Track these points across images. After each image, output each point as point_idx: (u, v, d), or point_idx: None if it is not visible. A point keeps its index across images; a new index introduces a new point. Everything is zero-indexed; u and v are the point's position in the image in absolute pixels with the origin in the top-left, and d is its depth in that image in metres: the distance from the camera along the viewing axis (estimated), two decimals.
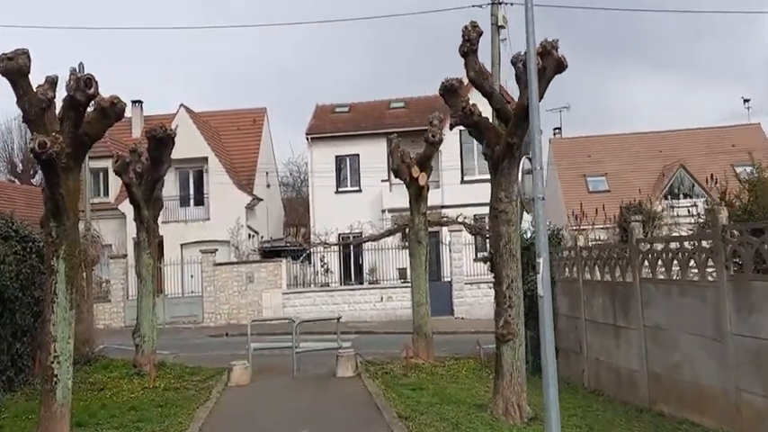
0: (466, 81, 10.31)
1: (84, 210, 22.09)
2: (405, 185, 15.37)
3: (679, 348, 8.82)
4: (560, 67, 8.55)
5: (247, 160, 35.55)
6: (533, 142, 7.28)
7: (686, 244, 8.94)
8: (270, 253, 31.50)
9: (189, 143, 28.31)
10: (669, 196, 34.41)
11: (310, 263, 29.57)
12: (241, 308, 27.14)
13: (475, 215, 28.46)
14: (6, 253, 11.51)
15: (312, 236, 30.49)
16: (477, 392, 10.94)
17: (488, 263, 16.19)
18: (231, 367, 12.98)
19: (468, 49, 9.34)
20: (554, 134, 45.83)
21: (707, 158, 37.14)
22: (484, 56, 10.54)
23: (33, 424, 8.54)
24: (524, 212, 10.73)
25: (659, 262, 9.30)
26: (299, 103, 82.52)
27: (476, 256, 27.70)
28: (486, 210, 29.05)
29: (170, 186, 29.47)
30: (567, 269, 12.39)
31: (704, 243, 8.51)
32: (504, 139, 9.07)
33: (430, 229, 16.45)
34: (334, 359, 13.74)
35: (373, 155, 31.76)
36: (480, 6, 17.03)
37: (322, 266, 28.91)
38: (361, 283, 29.20)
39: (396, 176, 15.75)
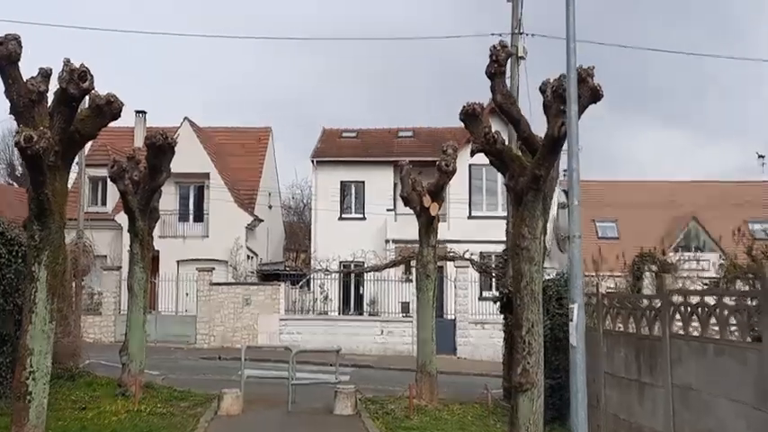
0: (486, 107, 9.72)
1: (78, 217, 21.40)
2: (415, 215, 14.65)
3: (712, 413, 8.01)
4: (596, 95, 7.92)
5: (250, 179, 34.90)
6: (572, 173, 6.59)
7: (726, 299, 8.17)
8: (268, 276, 30.74)
9: (191, 157, 27.77)
10: (681, 248, 33.70)
11: (309, 289, 28.77)
12: (236, 331, 26.22)
13: (481, 252, 27.81)
14: None
15: (313, 261, 29.75)
16: None
17: (498, 303, 15.47)
18: (222, 395, 12.18)
19: (496, 71, 8.68)
20: (563, 176, 45.19)
21: (718, 212, 36.54)
22: None
23: None
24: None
25: (694, 317, 8.52)
26: (304, 128, 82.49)
27: (480, 294, 26.97)
28: (493, 247, 28.46)
29: (170, 200, 28.96)
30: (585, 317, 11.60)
31: (748, 300, 7.75)
32: (531, 171, 8.37)
33: None
34: (330, 392, 13.01)
35: (379, 183, 31.36)
36: (500, 35, 16.44)
37: (321, 293, 28.09)
38: (361, 314, 28.41)
39: (406, 205, 15.01)
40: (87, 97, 7.48)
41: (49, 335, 7.51)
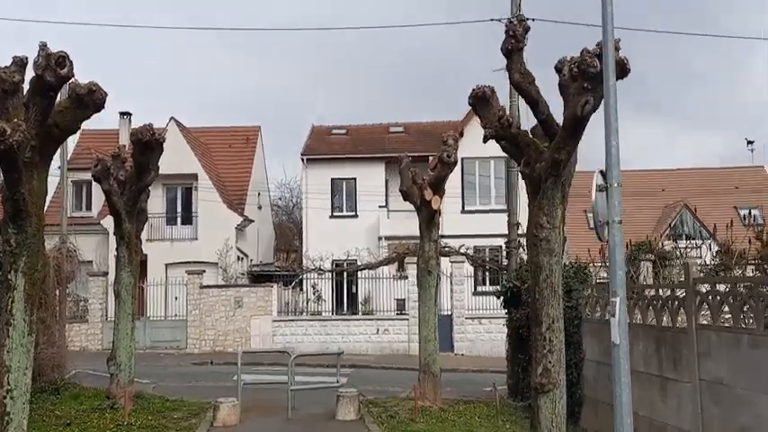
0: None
1: (62, 222, 20.67)
2: (415, 209, 14.06)
3: (747, 409, 7.49)
4: (623, 69, 7.29)
5: (239, 179, 34.24)
6: (610, 150, 6.03)
7: (762, 288, 7.63)
8: (260, 277, 30.11)
9: (178, 158, 26.91)
10: (672, 236, 33.40)
11: (302, 289, 28.12)
12: (228, 334, 25.52)
13: (475, 246, 27.41)
14: None
15: (305, 260, 29.11)
16: None
17: (501, 298, 14.93)
18: (218, 404, 11.52)
19: (513, 47, 8.01)
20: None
21: (709, 198, 36.32)
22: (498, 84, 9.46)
23: None
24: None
25: (724, 307, 7.98)
26: (293, 126, 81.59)
27: (475, 289, 26.53)
28: (486, 241, 28.04)
29: (157, 203, 28.27)
30: (598, 308, 11.09)
31: None
32: (551, 155, 7.77)
33: None
34: (330, 396, 12.46)
35: (371, 179, 30.89)
36: (500, 20, 15.81)
37: (314, 294, 27.46)
38: (354, 313, 27.82)
39: (405, 199, 14.39)
40: (66, 86, 6.82)
41: (29, 348, 6.84)
